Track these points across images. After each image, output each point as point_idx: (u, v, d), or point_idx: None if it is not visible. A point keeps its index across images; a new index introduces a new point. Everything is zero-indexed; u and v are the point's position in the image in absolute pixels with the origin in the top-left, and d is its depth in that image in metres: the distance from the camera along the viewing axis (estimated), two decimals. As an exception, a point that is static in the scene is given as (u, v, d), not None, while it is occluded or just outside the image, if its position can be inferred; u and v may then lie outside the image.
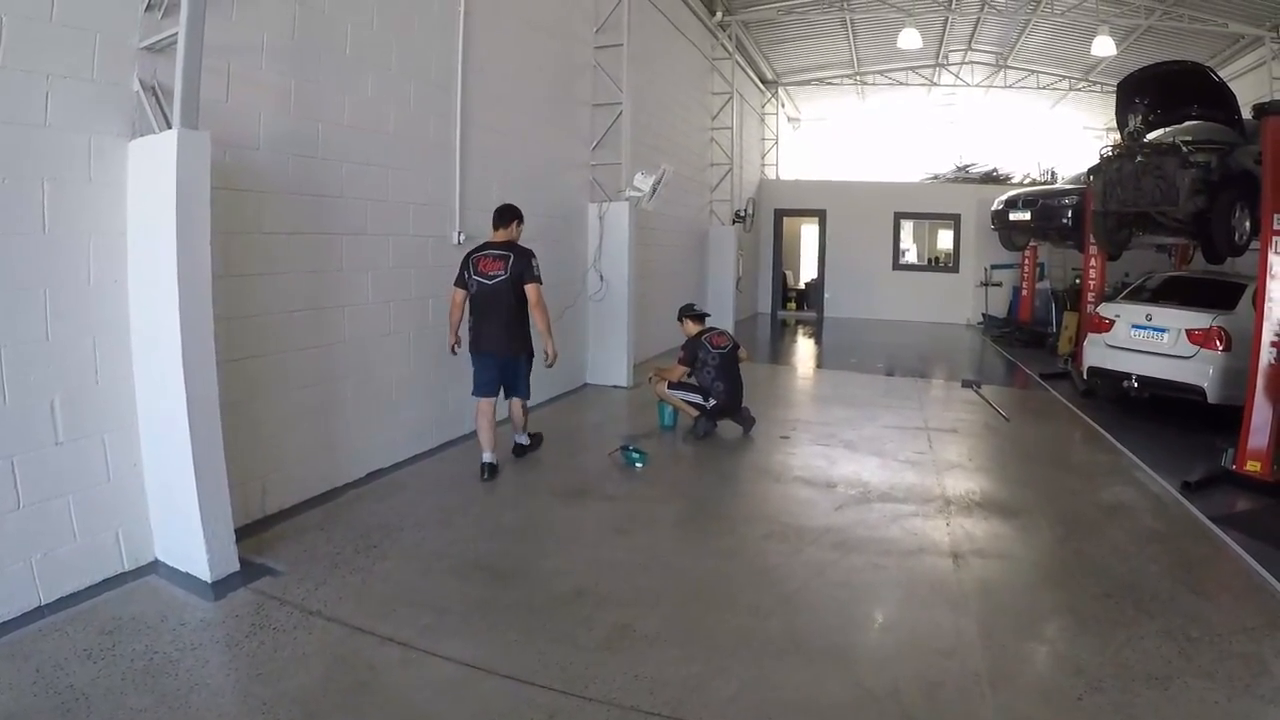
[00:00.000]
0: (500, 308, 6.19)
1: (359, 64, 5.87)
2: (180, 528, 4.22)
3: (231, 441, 4.37)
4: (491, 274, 6.18)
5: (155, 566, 4.33)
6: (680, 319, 8.10)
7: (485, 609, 4.09)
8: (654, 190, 9.48)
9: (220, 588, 4.15)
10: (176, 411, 4.07)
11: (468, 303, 6.28)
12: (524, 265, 6.21)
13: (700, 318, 8.04)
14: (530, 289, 6.22)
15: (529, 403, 6.74)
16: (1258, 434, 6.24)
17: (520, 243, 6.42)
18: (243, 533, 4.58)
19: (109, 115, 4.09)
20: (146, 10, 4.18)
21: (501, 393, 6.44)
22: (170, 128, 4.06)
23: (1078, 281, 13.47)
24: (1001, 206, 15.44)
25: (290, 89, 5.25)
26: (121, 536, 4.23)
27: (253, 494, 5.00)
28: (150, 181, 4.07)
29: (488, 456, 6.24)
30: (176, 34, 4.02)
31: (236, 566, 4.32)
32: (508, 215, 6.42)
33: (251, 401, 5.00)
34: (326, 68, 5.56)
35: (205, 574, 4.17)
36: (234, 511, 4.38)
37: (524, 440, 6.84)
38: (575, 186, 9.67)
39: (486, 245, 6.37)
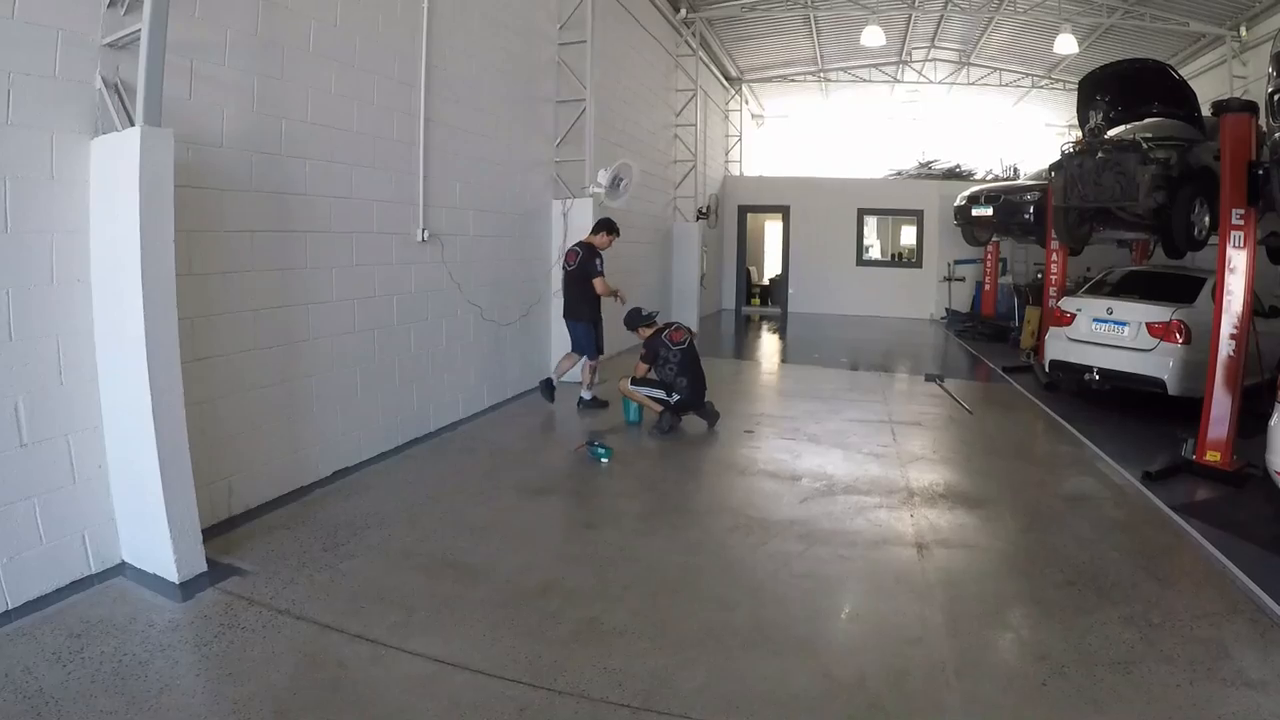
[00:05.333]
0: (569, 287, 8.46)
1: (322, 61, 5.82)
2: (147, 529, 4.19)
3: (197, 441, 4.35)
4: (569, 264, 8.42)
5: (122, 568, 4.28)
6: (634, 329, 8.16)
7: (453, 605, 4.10)
8: (614, 184, 9.37)
9: (188, 588, 4.12)
10: (142, 412, 4.03)
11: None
12: (589, 262, 8.25)
13: (651, 321, 8.13)
14: (594, 282, 8.26)
15: (596, 365, 8.67)
16: (1217, 425, 6.40)
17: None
18: (210, 533, 4.55)
19: (71, 113, 4.04)
20: (109, 7, 4.13)
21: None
22: (133, 125, 4.02)
23: (1039, 276, 13.64)
24: (964, 202, 15.59)
25: (253, 86, 5.20)
26: (88, 539, 4.18)
27: (219, 494, 4.97)
28: (113, 179, 4.02)
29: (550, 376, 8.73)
30: (139, 31, 3.98)
31: (204, 567, 4.29)
32: (595, 225, 8.61)
33: (217, 401, 4.96)
34: (290, 65, 5.51)
35: (173, 575, 4.14)
36: (200, 512, 4.35)
37: (586, 396, 8.61)
38: (539, 183, 9.64)
39: (578, 242, 8.51)
